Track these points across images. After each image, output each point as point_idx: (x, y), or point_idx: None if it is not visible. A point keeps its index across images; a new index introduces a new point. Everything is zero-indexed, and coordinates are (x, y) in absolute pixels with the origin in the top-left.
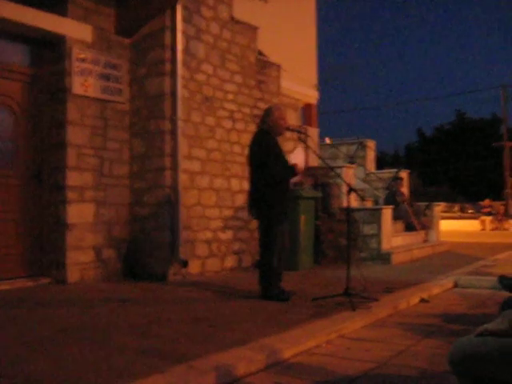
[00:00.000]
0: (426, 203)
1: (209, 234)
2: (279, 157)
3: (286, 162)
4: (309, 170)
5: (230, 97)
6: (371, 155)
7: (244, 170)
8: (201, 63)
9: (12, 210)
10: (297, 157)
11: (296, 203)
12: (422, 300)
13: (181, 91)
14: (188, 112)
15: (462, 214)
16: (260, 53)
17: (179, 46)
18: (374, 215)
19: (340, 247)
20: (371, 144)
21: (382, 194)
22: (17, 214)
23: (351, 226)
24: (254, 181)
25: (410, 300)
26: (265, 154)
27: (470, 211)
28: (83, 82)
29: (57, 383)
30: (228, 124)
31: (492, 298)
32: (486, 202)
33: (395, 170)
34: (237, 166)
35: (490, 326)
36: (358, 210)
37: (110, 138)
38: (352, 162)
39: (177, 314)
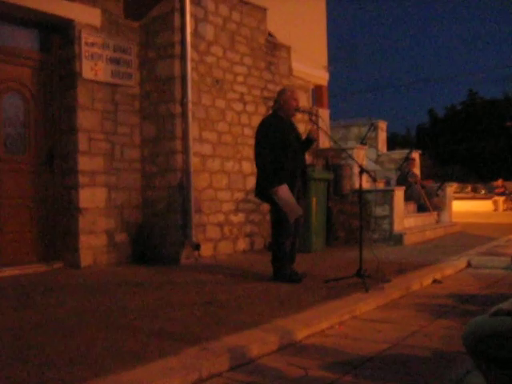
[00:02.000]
0: (438, 184)
1: (221, 217)
2: (277, 142)
3: (286, 145)
4: (321, 152)
5: (240, 79)
6: (383, 136)
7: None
8: (210, 45)
9: (24, 195)
10: (287, 193)
11: (307, 185)
12: (435, 281)
13: (191, 74)
14: (198, 95)
15: (475, 195)
16: (270, 34)
17: (188, 29)
18: (386, 196)
19: (352, 229)
20: (383, 125)
21: (393, 175)
22: (29, 199)
23: (363, 208)
24: (256, 163)
25: (422, 281)
26: (260, 137)
27: (482, 191)
28: (93, 67)
29: (72, 365)
30: (238, 106)
31: (505, 278)
32: (499, 182)
33: (407, 150)
34: (248, 148)
35: (504, 305)
36: (370, 191)
37: (120, 122)
38: (363, 143)
39: (189, 296)
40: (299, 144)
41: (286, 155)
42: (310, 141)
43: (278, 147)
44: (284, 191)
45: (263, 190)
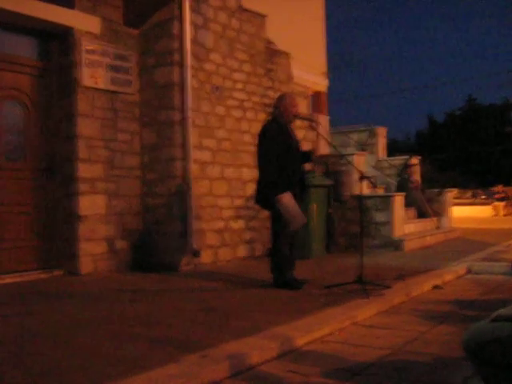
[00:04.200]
0: (438, 189)
1: (220, 224)
2: (280, 148)
3: (289, 152)
4: (320, 158)
5: (240, 86)
6: (382, 142)
7: (255, 159)
8: (209, 53)
9: (24, 202)
10: (291, 201)
11: (307, 191)
12: (435, 287)
13: (190, 81)
14: (197, 102)
15: (475, 200)
16: (269, 41)
17: (187, 36)
18: (386, 202)
19: (352, 235)
20: (382, 131)
21: (393, 181)
22: (29, 206)
23: (363, 214)
24: (259, 170)
25: (423, 287)
26: (265, 144)
27: (482, 197)
28: (92, 74)
29: (71, 373)
30: (238, 113)
31: (505, 284)
32: (499, 187)
33: (406, 156)
34: (247, 155)
35: (504, 311)
36: (370, 197)
37: (120, 129)
38: (363, 150)
39: (189, 303)
40: (298, 151)
41: (288, 162)
42: (308, 157)
43: (281, 154)
44: (288, 199)
45: (265, 198)
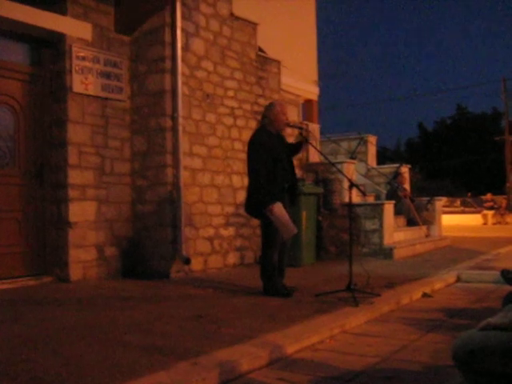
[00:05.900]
0: (428, 198)
1: (211, 231)
2: (270, 157)
3: (279, 161)
4: (310, 166)
5: (231, 93)
6: (372, 150)
7: (245, 167)
8: (201, 60)
9: (14, 208)
10: (282, 211)
11: (297, 199)
12: (425, 295)
13: (181, 88)
14: (189, 109)
15: (464, 209)
16: (260, 49)
17: (179, 43)
18: (376, 210)
19: (342, 243)
20: (372, 139)
21: (383, 189)
22: (19, 212)
23: (353, 222)
24: (249, 178)
25: (412, 295)
26: (254, 152)
27: (471, 206)
28: (83, 80)
29: (60, 381)
30: (229, 121)
31: (495, 292)
32: (488, 196)
33: (396, 165)
34: (238, 162)
35: (492, 320)
36: (360, 205)
37: (110, 135)
38: (353, 158)
39: (180, 311)
40: (288, 159)
41: (278, 171)
42: (299, 144)
43: (270, 163)
44: (279, 209)
45: (256, 207)
